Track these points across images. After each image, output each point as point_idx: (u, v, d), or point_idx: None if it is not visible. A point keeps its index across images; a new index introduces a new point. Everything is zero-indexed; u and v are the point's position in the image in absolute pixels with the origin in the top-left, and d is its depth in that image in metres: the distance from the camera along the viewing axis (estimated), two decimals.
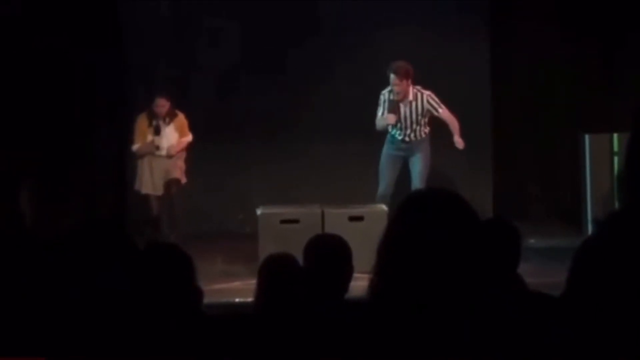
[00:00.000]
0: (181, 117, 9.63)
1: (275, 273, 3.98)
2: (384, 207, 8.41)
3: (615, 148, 9.54)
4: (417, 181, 9.15)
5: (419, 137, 9.29)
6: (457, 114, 10.10)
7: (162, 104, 9.54)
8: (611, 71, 10.52)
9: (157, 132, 9.53)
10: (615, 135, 9.54)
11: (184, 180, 9.70)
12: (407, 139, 9.27)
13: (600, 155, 9.65)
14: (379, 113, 9.25)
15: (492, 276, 2.19)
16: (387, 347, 2.14)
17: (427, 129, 9.32)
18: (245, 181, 10.56)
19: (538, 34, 10.72)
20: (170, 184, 9.61)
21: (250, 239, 8.32)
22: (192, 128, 9.75)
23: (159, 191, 9.64)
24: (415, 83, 9.17)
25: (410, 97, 9.16)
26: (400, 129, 9.23)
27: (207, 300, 3.95)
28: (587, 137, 9.78)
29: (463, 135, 10.68)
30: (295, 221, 8.23)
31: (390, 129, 9.27)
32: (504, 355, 2.12)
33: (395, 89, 9.08)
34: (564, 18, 10.55)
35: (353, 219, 8.32)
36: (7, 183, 9.22)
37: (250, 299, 4.27)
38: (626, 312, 1.92)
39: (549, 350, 2.06)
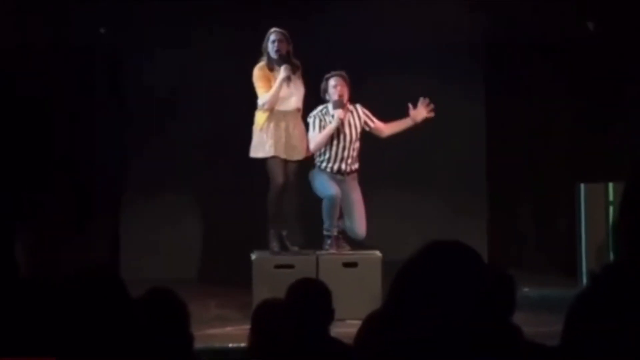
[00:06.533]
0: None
1: (268, 318, 3.98)
2: (378, 253, 8.39)
3: (611, 197, 9.55)
4: (357, 226, 8.53)
5: (353, 168, 8.62)
6: (452, 160, 10.10)
7: (284, 40, 8.26)
8: (606, 120, 10.55)
9: (288, 78, 8.29)
10: (610, 185, 9.56)
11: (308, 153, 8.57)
12: (342, 166, 8.56)
13: (596, 205, 9.65)
14: (313, 132, 8.46)
15: (487, 324, 2.19)
16: None
17: (358, 163, 8.66)
18: (239, 226, 10.48)
19: (534, 83, 10.77)
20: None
21: (245, 284, 8.29)
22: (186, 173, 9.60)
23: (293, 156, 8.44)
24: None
25: (350, 107, 8.63)
26: (337, 153, 8.53)
27: (200, 345, 3.94)
28: (582, 186, 9.80)
29: (458, 181, 10.67)
30: (290, 266, 8.21)
31: (320, 156, 8.54)
32: None
33: (338, 89, 8.39)
34: (560, 67, 10.60)
35: (347, 265, 8.32)
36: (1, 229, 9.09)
37: (243, 344, 4.25)
38: None
39: None
